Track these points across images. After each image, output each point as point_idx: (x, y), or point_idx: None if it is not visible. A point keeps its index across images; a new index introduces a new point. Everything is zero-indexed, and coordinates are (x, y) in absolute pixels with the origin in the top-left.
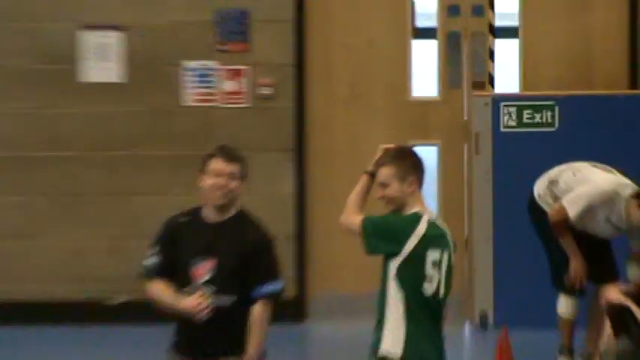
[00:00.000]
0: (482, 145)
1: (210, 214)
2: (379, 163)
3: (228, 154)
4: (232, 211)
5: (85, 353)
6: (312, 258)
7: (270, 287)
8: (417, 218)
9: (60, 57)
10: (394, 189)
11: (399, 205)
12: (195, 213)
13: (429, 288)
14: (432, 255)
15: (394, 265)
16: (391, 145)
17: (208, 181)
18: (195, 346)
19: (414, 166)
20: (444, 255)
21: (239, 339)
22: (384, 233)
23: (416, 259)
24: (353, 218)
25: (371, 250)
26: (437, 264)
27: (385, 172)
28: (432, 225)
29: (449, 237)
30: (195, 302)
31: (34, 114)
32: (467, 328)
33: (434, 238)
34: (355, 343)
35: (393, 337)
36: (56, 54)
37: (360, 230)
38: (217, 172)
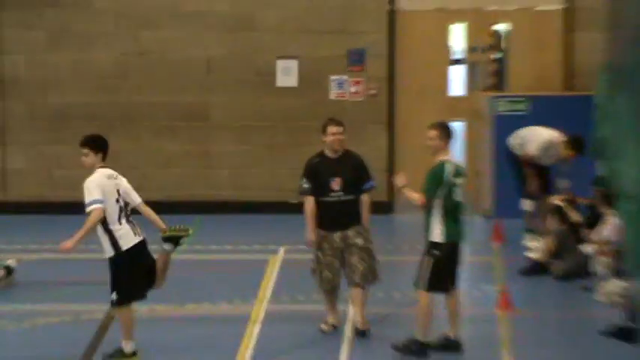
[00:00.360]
0: (488, 121)
1: (330, 154)
2: (429, 128)
3: (336, 121)
4: (342, 151)
5: (271, 232)
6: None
7: (369, 184)
8: (441, 165)
9: (266, 73)
10: (435, 143)
11: (435, 153)
12: (321, 155)
13: (456, 197)
14: (457, 180)
15: (439, 188)
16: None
17: (330, 137)
18: (335, 223)
19: (447, 132)
20: (462, 179)
21: (358, 216)
22: (430, 183)
23: (449, 184)
24: (414, 196)
25: (429, 195)
26: (459, 185)
27: (432, 133)
28: (454, 165)
29: (464, 170)
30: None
31: (253, 102)
32: (478, 219)
33: (457, 172)
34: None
35: (437, 229)
36: (264, 72)
37: (421, 197)
38: (333, 132)
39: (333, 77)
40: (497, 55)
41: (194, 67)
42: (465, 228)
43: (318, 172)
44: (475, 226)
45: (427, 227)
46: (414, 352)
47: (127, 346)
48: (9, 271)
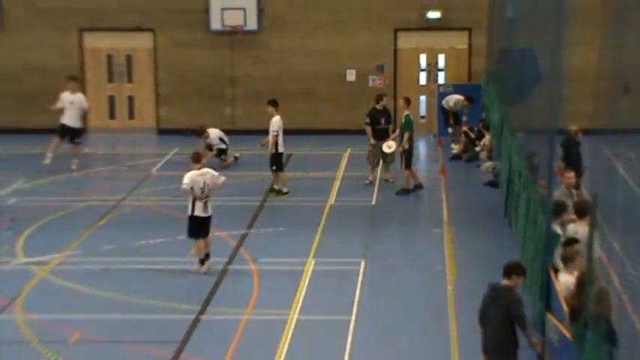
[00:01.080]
0: (435, 95)
1: (379, 107)
2: (403, 100)
3: (381, 95)
4: (383, 106)
5: None
6: None
7: (390, 120)
8: (408, 115)
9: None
10: (404, 105)
11: (404, 110)
12: (374, 108)
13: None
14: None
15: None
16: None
17: (383, 102)
18: (380, 137)
19: (408, 100)
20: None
21: (389, 135)
22: (407, 123)
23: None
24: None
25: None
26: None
27: (401, 102)
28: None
29: (412, 118)
30: None
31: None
32: (431, 137)
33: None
34: None
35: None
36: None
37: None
38: (383, 99)
39: (371, 77)
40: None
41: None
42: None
43: (373, 115)
44: (430, 140)
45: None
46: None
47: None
48: (236, 158)
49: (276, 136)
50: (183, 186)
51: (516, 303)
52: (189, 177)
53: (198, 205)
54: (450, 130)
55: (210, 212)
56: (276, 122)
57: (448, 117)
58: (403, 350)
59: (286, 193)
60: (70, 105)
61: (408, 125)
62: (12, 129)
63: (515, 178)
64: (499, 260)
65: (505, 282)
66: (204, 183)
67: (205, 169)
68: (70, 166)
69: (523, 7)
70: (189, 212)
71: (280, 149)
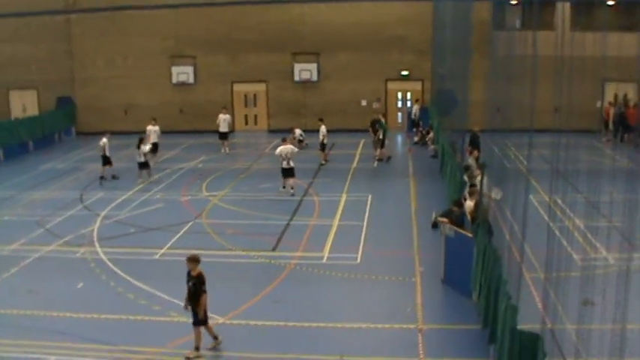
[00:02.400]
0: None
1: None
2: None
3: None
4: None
5: None
6: None
7: None
8: (381, 121)
9: None
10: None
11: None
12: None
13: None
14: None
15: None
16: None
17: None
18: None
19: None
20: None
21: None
22: (384, 125)
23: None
24: None
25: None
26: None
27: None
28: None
29: (384, 123)
30: None
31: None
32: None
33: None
34: None
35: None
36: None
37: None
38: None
39: (374, 103)
40: (408, 98)
41: None
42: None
43: (373, 122)
44: (402, 136)
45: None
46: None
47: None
48: (307, 144)
49: (325, 136)
50: (276, 152)
51: None
52: (279, 149)
53: (284, 162)
54: (414, 129)
55: (292, 165)
56: (324, 129)
57: (413, 123)
58: (388, 236)
59: (326, 162)
60: (224, 121)
61: (382, 126)
62: (199, 130)
63: (445, 154)
64: (438, 193)
65: None
66: (286, 152)
67: (288, 145)
68: (226, 151)
69: (447, 68)
70: (280, 165)
71: (325, 141)
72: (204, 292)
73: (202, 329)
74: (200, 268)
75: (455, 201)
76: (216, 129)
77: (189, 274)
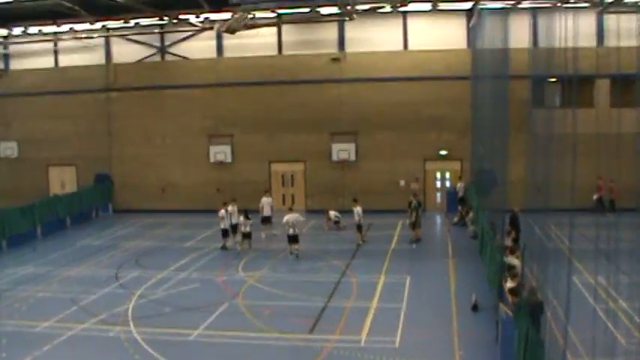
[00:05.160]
0: None
1: None
2: None
3: None
4: None
5: None
6: None
7: None
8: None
9: None
10: None
11: None
12: None
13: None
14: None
15: None
16: None
17: None
18: None
19: None
20: None
21: None
22: None
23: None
24: None
25: None
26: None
27: None
28: None
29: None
30: None
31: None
32: (440, 216)
33: None
34: None
35: None
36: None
37: None
38: None
39: (412, 184)
40: (447, 178)
41: None
42: None
43: (410, 203)
44: (441, 215)
45: None
46: None
47: None
48: (344, 226)
49: (360, 216)
50: (283, 220)
51: None
52: (286, 217)
53: (290, 230)
54: (459, 207)
55: (297, 232)
56: (359, 209)
57: (459, 201)
58: (427, 318)
59: (364, 243)
60: (267, 204)
61: (416, 207)
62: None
63: (485, 234)
64: (478, 274)
65: None
66: (292, 221)
67: (294, 213)
68: (269, 236)
69: (486, 147)
70: (287, 233)
71: (361, 221)
72: None
73: None
74: None
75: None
76: (256, 209)
77: None
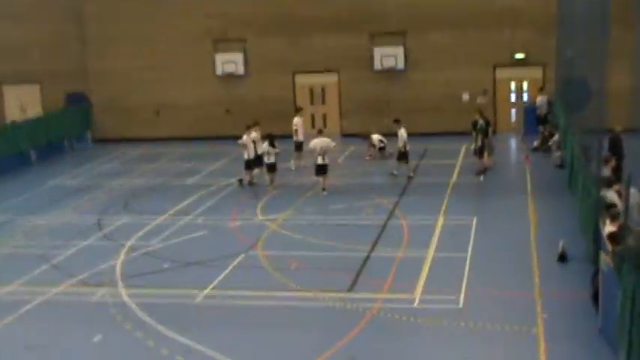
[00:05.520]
0: None
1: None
2: None
3: None
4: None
5: None
6: None
7: None
8: (481, 123)
9: None
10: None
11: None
12: None
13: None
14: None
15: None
16: None
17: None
18: None
19: None
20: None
21: None
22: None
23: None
24: None
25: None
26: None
27: None
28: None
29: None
30: None
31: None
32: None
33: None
34: None
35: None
36: None
37: None
38: None
39: (478, 97)
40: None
41: None
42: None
43: (475, 122)
44: (517, 138)
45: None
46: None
47: None
48: (391, 153)
49: (406, 142)
50: (310, 145)
51: None
52: (313, 141)
53: (319, 158)
54: (539, 128)
55: (327, 161)
56: (403, 132)
57: (538, 119)
58: (500, 272)
59: (413, 176)
60: (301, 126)
61: (482, 128)
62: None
63: (575, 162)
64: (565, 215)
65: None
66: (321, 146)
67: (324, 138)
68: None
69: (578, 49)
70: (315, 161)
71: (407, 147)
72: None
73: None
74: None
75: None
76: (289, 133)
77: None
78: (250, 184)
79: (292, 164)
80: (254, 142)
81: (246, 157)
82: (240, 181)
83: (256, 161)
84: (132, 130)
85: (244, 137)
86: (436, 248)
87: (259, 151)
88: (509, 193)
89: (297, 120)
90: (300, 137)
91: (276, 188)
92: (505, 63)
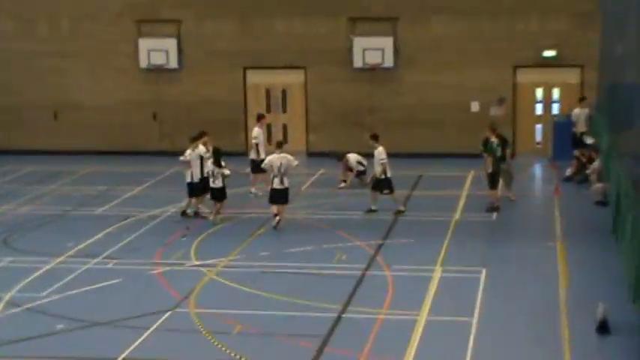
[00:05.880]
0: None
1: None
2: None
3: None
4: None
5: None
6: None
7: None
8: (491, 142)
9: None
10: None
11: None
12: None
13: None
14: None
15: None
16: None
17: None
18: None
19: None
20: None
21: None
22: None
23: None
24: None
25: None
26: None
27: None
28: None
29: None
30: None
31: None
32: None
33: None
34: None
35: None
36: None
37: None
38: None
39: (492, 107)
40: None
41: None
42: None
43: (485, 141)
44: (544, 164)
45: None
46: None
47: None
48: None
49: (385, 164)
50: (265, 162)
51: None
52: (269, 158)
53: (276, 180)
54: (575, 151)
55: (287, 185)
56: (381, 150)
57: (574, 140)
58: (517, 344)
59: (405, 210)
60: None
61: (492, 149)
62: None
63: (623, 198)
64: (608, 270)
65: None
66: (281, 164)
67: (283, 154)
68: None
69: (633, 46)
70: (271, 185)
71: (389, 173)
72: None
73: None
74: None
75: None
76: (240, 150)
77: None
78: (196, 214)
79: (253, 190)
80: (201, 158)
81: (189, 179)
82: (184, 212)
83: (204, 185)
84: (19, 140)
85: (188, 152)
86: (430, 310)
87: (207, 170)
88: (530, 238)
89: (257, 131)
90: (262, 154)
91: (221, 222)
92: (529, 62)
